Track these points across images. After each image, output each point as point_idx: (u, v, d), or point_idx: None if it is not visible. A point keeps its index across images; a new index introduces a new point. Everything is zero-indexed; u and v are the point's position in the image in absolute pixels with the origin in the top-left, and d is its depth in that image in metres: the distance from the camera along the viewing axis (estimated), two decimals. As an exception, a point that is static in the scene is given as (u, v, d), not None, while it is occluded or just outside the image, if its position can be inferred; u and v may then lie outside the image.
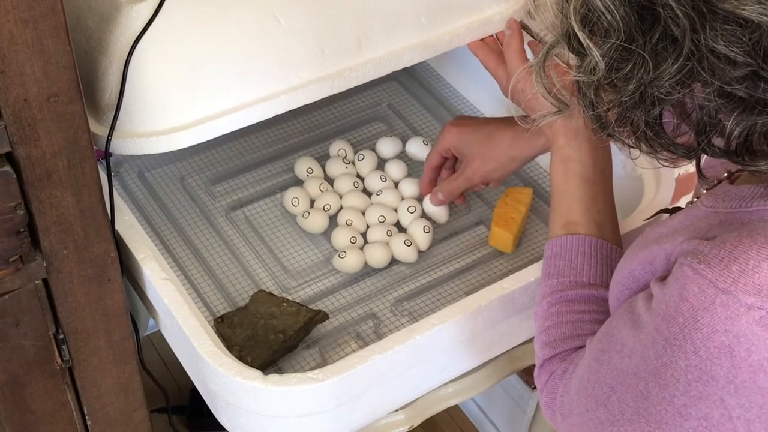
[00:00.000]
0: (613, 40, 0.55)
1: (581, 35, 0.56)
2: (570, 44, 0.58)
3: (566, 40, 0.58)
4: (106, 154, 0.81)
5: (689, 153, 0.60)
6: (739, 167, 0.59)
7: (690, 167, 0.65)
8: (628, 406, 0.62)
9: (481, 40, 0.95)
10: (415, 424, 1.03)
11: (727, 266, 0.55)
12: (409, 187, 1.07)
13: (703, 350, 0.56)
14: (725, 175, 0.66)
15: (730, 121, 0.55)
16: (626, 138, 0.61)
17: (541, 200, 1.08)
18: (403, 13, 0.88)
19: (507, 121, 0.98)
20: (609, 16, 0.54)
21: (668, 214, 0.82)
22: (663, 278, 0.61)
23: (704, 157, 0.64)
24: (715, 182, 0.66)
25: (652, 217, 0.93)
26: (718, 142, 0.57)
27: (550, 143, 0.86)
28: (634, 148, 0.61)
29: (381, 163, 1.11)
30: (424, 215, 1.04)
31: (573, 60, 0.59)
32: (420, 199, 1.06)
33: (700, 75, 0.53)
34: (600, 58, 0.56)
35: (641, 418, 0.61)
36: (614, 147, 0.73)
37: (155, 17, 0.78)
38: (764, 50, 0.51)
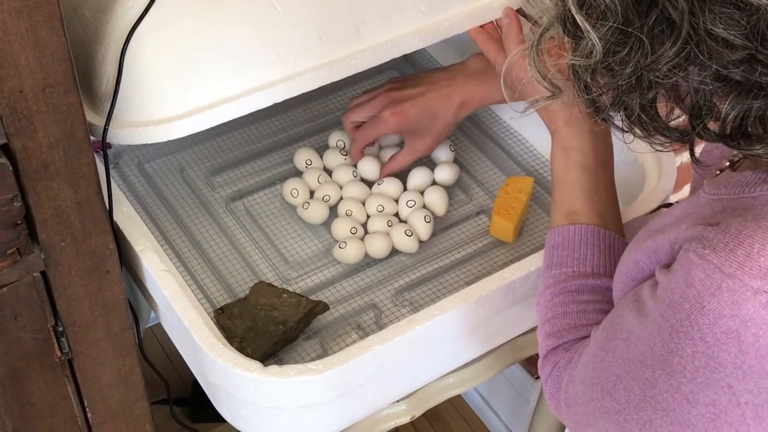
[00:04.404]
0: (610, 23, 0.54)
1: (579, 17, 0.56)
2: (566, 27, 0.58)
3: (561, 22, 0.58)
4: (104, 145, 0.80)
5: (683, 137, 0.59)
6: (738, 154, 0.59)
7: (697, 153, 0.64)
8: (635, 394, 0.61)
9: (481, 26, 0.95)
10: (417, 415, 1.03)
11: (732, 251, 0.55)
12: (411, 177, 1.06)
13: (710, 336, 0.55)
14: (727, 164, 0.65)
15: (726, 105, 0.54)
16: (620, 122, 0.60)
17: (542, 189, 1.08)
18: (401, 0, 0.87)
19: (440, 87, 1.00)
20: None
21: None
22: (668, 266, 0.60)
23: (701, 144, 0.63)
24: (718, 172, 0.66)
25: (652, 212, 0.92)
26: (713, 126, 0.57)
27: (549, 128, 0.86)
28: (627, 132, 0.61)
29: (381, 153, 1.10)
30: (424, 206, 1.04)
31: (568, 43, 0.58)
32: (421, 190, 1.05)
33: (698, 58, 0.53)
34: (597, 41, 0.55)
35: (648, 405, 0.61)
36: (614, 135, 0.73)
37: (152, 5, 0.78)
38: (762, 33, 0.51)
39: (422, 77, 1.03)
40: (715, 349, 0.55)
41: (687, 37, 0.53)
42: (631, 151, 0.99)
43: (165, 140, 0.80)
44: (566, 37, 0.58)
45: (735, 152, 0.61)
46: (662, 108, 0.59)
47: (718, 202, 0.62)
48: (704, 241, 0.57)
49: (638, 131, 0.60)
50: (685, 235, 0.59)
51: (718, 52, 0.52)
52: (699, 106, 0.56)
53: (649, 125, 0.59)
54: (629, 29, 0.54)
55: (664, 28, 0.53)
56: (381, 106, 1.01)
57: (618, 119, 0.61)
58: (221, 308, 0.92)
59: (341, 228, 1.00)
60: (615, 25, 0.54)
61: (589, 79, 0.59)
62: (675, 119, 0.59)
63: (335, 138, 1.10)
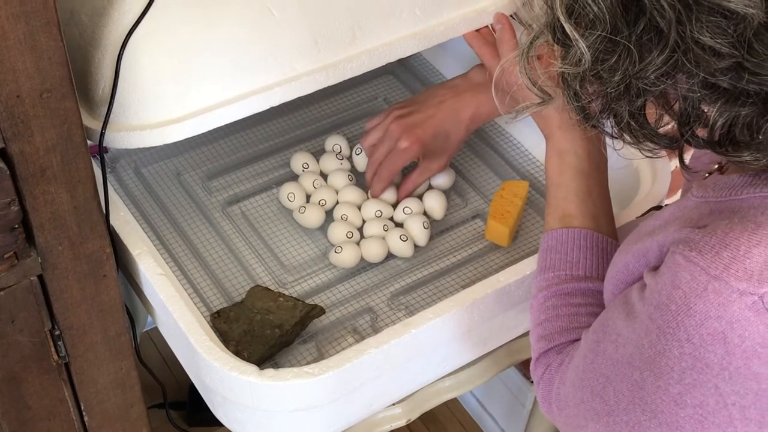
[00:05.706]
0: (598, 32, 0.55)
1: (567, 26, 0.56)
2: (555, 35, 0.58)
3: (551, 31, 0.58)
4: (100, 149, 0.81)
5: (672, 143, 0.60)
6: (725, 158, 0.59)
7: (686, 160, 0.65)
8: (624, 396, 0.62)
9: (477, 31, 0.95)
10: (413, 418, 1.03)
11: (718, 253, 0.55)
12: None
13: (697, 337, 0.56)
14: (715, 167, 0.66)
15: (714, 112, 0.55)
16: (610, 128, 0.61)
17: (537, 193, 1.08)
18: (397, 4, 0.88)
19: (447, 106, 1.00)
20: (595, 8, 0.54)
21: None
22: (656, 268, 0.61)
23: (690, 150, 0.64)
24: (707, 175, 0.67)
25: (644, 214, 0.93)
26: (701, 132, 0.58)
27: (543, 132, 0.86)
28: (617, 138, 0.61)
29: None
30: (424, 212, 1.04)
31: (557, 51, 0.59)
32: (418, 195, 1.06)
33: (685, 66, 0.53)
34: (586, 50, 0.56)
35: (636, 407, 0.61)
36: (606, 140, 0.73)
37: (148, 9, 0.78)
38: (748, 41, 0.52)
39: (426, 98, 1.02)
40: (702, 351, 0.56)
41: (674, 46, 0.53)
42: (621, 157, 0.99)
43: (161, 144, 0.81)
44: (555, 45, 0.59)
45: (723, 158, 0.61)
46: (651, 115, 0.59)
47: (706, 204, 0.62)
48: (691, 243, 0.57)
49: (628, 138, 0.60)
50: (672, 238, 0.60)
51: (706, 60, 0.53)
52: (687, 113, 0.56)
53: (639, 132, 0.59)
54: (617, 38, 0.55)
55: (651, 36, 0.54)
56: (395, 137, 1.00)
57: (608, 126, 0.61)
58: (217, 312, 0.92)
59: (337, 232, 1.01)
60: (603, 33, 0.55)
61: (578, 87, 0.59)
62: (664, 126, 0.60)
63: (332, 142, 1.11)
